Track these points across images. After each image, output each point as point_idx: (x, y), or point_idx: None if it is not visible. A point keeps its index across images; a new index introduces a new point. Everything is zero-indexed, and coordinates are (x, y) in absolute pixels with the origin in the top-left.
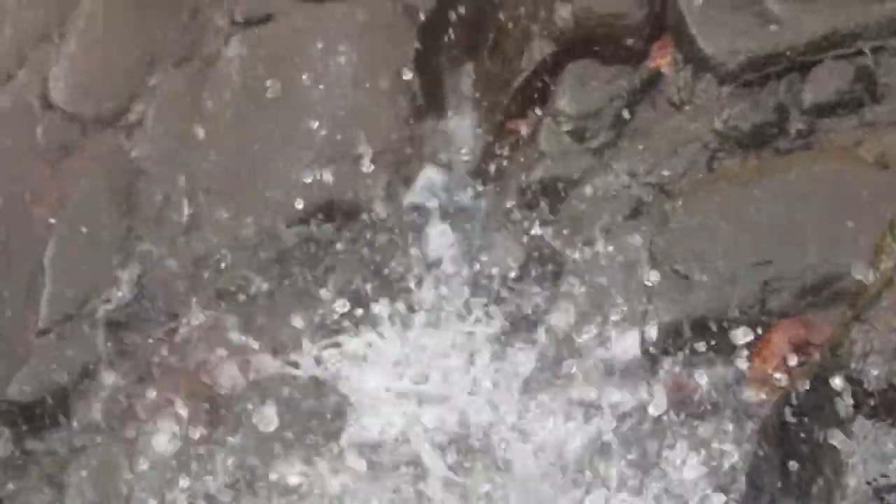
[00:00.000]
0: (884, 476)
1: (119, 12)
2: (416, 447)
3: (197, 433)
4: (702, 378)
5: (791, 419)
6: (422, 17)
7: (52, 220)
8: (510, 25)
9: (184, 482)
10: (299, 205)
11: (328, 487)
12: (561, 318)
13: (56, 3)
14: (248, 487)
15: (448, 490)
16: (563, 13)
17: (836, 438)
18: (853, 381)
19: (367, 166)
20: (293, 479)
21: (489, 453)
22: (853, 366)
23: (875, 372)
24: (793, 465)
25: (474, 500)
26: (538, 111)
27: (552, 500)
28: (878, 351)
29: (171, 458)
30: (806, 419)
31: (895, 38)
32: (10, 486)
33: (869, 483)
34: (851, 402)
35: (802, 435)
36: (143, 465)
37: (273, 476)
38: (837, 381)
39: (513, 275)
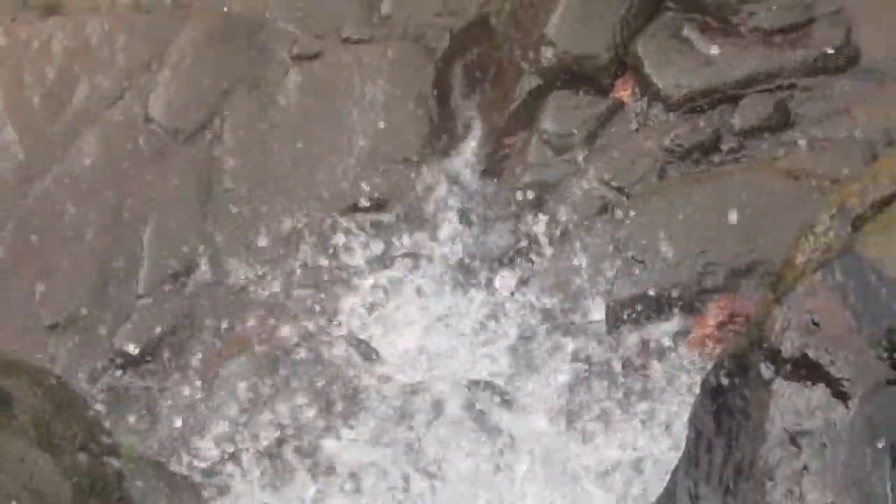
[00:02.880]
0: (797, 424)
1: (204, 48)
2: None
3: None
4: (651, 342)
5: (724, 379)
6: (438, 55)
7: (150, 210)
8: (507, 63)
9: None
10: (346, 199)
11: None
12: (542, 287)
13: (155, 40)
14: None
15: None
16: (548, 54)
17: (760, 395)
18: (773, 350)
19: (397, 170)
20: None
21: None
22: (773, 338)
23: (790, 344)
24: (726, 414)
25: None
26: (527, 130)
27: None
28: (793, 328)
29: (243, 394)
30: (737, 379)
31: (805, 78)
32: (114, 414)
33: (786, 430)
34: (772, 367)
35: (734, 391)
36: (219, 400)
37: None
38: (761, 350)
39: (504, 254)
